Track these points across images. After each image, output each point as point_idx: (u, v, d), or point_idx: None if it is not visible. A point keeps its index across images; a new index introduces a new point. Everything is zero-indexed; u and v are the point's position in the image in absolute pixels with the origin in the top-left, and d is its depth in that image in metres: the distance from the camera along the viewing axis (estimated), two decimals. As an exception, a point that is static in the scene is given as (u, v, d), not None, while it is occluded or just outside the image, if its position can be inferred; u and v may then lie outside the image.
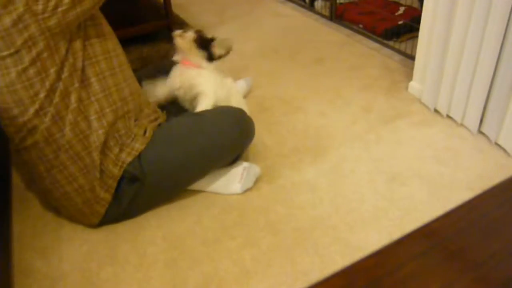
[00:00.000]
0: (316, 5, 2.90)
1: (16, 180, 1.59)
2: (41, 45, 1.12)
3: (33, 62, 1.12)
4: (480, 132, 1.71)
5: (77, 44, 1.19)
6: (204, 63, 1.61)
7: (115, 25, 2.36)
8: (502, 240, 0.64)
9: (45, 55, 1.13)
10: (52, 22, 1.11)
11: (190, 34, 1.59)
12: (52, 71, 1.15)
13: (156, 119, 1.43)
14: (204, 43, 1.61)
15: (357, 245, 1.29)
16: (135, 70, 2.15)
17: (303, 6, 2.96)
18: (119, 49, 1.35)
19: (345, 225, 1.35)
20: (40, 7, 1.08)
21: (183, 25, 2.73)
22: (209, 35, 1.65)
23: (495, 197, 0.74)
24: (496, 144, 1.64)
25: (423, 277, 0.60)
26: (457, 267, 0.61)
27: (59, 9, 1.10)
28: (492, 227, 0.67)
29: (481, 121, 1.68)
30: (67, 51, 1.17)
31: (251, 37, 2.60)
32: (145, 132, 1.36)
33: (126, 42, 2.49)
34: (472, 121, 1.70)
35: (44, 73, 1.14)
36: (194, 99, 1.57)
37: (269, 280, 1.20)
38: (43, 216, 1.44)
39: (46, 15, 1.09)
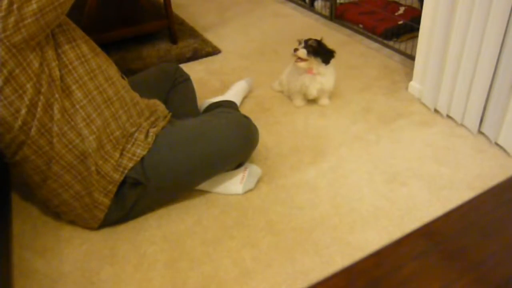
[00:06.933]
0: (316, 5, 2.90)
1: (16, 180, 1.59)
2: (10, 63, 1.09)
3: (6, 81, 1.10)
4: (480, 132, 1.71)
5: (50, 55, 1.16)
6: (323, 68, 1.82)
7: (115, 25, 2.39)
8: (502, 240, 0.64)
9: (17, 71, 1.10)
10: (17, 38, 1.07)
11: (302, 50, 1.77)
12: (29, 86, 1.12)
13: (156, 120, 1.42)
14: (316, 51, 1.78)
15: (357, 245, 1.29)
16: (135, 71, 2.17)
17: (303, 6, 2.96)
18: (96, 50, 1.30)
19: (345, 225, 1.35)
20: (0, 25, 1.05)
21: (182, 25, 2.73)
22: (315, 38, 1.82)
23: (495, 197, 0.73)
24: (496, 144, 1.64)
25: (423, 277, 0.60)
26: (457, 267, 0.60)
27: (21, 24, 1.06)
28: (492, 227, 0.67)
29: (481, 121, 1.68)
30: (40, 63, 1.13)
31: (251, 37, 2.60)
32: (147, 136, 1.35)
33: (126, 42, 2.51)
34: (472, 121, 1.70)
35: (21, 89, 1.12)
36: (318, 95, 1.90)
37: (269, 280, 1.20)
38: (43, 216, 1.44)
39: (8, 33, 1.06)
